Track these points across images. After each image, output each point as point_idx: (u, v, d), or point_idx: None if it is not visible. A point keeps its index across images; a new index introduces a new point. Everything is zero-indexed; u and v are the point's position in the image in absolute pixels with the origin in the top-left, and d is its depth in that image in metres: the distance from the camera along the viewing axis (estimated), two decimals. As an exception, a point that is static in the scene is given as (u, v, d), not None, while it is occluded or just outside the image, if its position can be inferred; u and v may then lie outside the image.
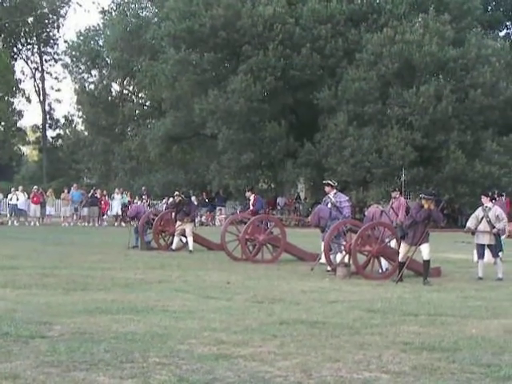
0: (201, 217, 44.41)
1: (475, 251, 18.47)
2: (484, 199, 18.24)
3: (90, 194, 44.28)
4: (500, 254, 18.39)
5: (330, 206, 19.34)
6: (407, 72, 46.54)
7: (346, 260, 17.95)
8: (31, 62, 72.91)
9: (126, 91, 69.30)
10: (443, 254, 23.40)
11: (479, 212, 18.10)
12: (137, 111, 67.79)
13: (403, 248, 16.94)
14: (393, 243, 18.25)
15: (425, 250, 16.75)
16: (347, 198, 20.34)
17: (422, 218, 16.57)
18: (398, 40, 45.61)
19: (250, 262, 20.73)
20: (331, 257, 18.59)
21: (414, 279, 17.13)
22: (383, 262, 18.30)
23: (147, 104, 68.80)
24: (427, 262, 16.83)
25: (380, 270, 18.24)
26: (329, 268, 18.61)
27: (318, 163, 47.20)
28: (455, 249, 26.40)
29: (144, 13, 66.12)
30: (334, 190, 19.65)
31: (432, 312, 11.87)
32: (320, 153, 47.34)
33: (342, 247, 18.31)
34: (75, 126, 72.48)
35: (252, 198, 23.93)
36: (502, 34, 56.05)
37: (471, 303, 13.22)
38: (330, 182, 20.25)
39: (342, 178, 43.88)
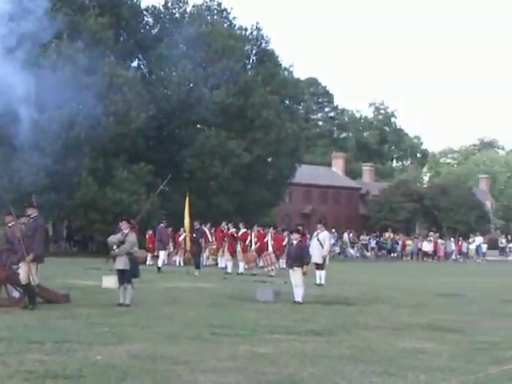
0: None
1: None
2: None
3: None
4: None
5: None
6: None
7: None
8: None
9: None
10: (72, 280, 23.43)
11: None
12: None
13: (23, 268, 16.63)
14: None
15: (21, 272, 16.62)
16: None
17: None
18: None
19: None
20: None
21: (45, 306, 16.93)
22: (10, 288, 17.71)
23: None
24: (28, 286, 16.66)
25: (13, 295, 17.57)
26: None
27: None
28: (85, 275, 26.52)
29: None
30: None
31: (58, 339, 11.84)
32: None
33: None
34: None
35: None
36: (133, 64, 57.50)
37: (97, 329, 13.38)
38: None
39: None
